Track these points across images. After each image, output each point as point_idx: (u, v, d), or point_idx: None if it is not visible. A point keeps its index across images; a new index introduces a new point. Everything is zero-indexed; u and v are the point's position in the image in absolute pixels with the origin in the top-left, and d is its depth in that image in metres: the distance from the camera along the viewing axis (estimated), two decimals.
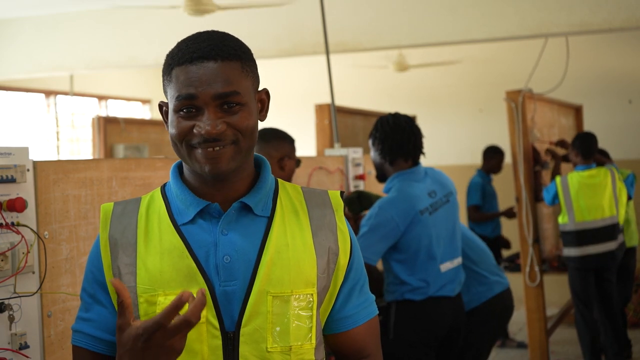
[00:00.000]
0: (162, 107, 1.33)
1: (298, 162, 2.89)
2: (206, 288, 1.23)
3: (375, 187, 3.79)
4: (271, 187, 1.34)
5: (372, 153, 3.00)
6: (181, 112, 1.24)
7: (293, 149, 2.83)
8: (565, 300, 5.85)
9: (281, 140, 2.76)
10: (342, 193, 1.39)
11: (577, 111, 6.10)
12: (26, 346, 1.64)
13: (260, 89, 1.33)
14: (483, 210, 5.98)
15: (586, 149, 4.59)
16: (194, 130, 1.23)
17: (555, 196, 4.53)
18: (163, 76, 1.29)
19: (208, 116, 1.22)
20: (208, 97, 1.22)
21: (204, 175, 1.26)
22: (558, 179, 4.56)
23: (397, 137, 2.87)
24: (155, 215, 1.30)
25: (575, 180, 4.52)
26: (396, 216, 2.73)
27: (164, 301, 1.23)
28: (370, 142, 3.00)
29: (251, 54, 1.30)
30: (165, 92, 1.29)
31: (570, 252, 4.53)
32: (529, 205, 4.49)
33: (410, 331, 2.75)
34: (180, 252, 1.25)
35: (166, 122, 1.32)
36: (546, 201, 4.60)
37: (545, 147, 4.97)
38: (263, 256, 1.25)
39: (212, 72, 1.22)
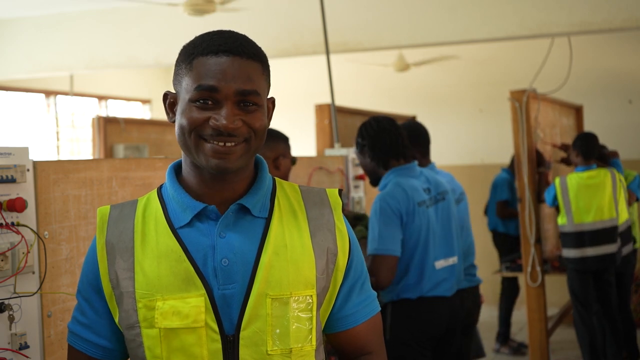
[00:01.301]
0: (167, 96, 1.31)
1: (293, 160, 2.88)
2: (205, 291, 1.22)
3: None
4: (269, 187, 1.33)
5: (362, 160, 2.98)
6: (197, 103, 1.22)
7: (288, 148, 2.83)
8: (565, 300, 5.85)
9: (275, 140, 2.76)
10: (340, 191, 1.38)
11: (578, 111, 6.10)
12: (26, 346, 1.64)
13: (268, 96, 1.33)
14: (512, 206, 5.90)
15: (587, 150, 4.58)
16: (210, 123, 1.21)
17: (555, 197, 4.53)
18: (180, 64, 1.27)
19: (226, 110, 1.21)
20: (230, 91, 1.21)
21: (208, 170, 1.24)
22: (557, 180, 4.56)
23: (385, 140, 2.88)
24: (151, 218, 1.29)
25: (574, 181, 4.52)
26: (397, 205, 2.72)
27: (162, 306, 1.22)
28: (357, 150, 2.99)
29: (268, 60, 1.31)
30: (178, 81, 1.27)
31: (569, 253, 4.52)
32: (531, 205, 4.49)
33: (406, 331, 2.75)
34: (177, 256, 1.24)
35: (168, 113, 1.31)
36: (547, 202, 4.60)
37: (547, 147, 4.97)
38: (261, 258, 1.24)
39: (237, 67, 1.22)
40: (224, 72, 1.22)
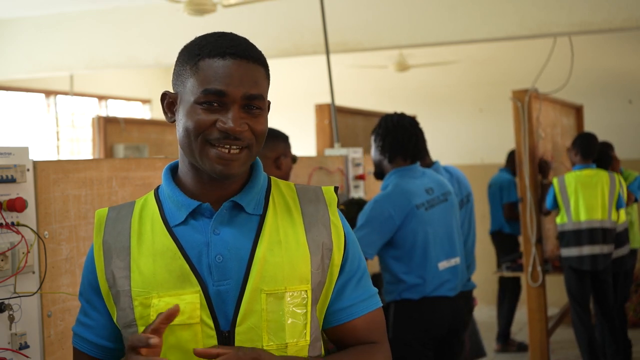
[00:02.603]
0: (166, 96, 1.31)
1: (294, 159, 2.88)
2: (199, 288, 1.23)
3: (375, 187, 3.79)
4: (263, 185, 1.34)
5: (373, 150, 3.01)
6: (203, 105, 1.23)
7: (288, 147, 2.83)
8: (565, 300, 5.85)
9: (275, 140, 2.76)
10: (336, 188, 1.39)
11: (578, 111, 6.10)
12: (26, 346, 1.64)
13: None
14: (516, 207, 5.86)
15: (586, 149, 4.60)
16: (217, 125, 1.22)
17: (555, 198, 4.54)
18: (184, 65, 1.26)
19: (233, 114, 1.22)
20: (238, 95, 1.22)
21: (211, 175, 1.25)
22: (555, 180, 4.57)
23: (398, 136, 2.89)
24: (148, 218, 1.30)
25: (572, 179, 4.54)
26: (392, 209, 2.74)
27: (158, 303, 1.23)
28: (372, 138, 3.02)
29: (268, 63, 1.32)
30: (180, 82, 1.27)
31: (569, 252, 4.53)
32: (532, 205, 4.48)
33: (408, 331, 2.75)
34: (172, 254, 1.25)
35: (167, 113, 1.31)
36: (547, 206, 4.61)
37: (548, 146, 4.98)
38: (256, 254, 1.25)
39: (244, 71, 1.23)
40: (232, 76, 1.22)
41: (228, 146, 1.22)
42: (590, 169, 4.58)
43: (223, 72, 1.22)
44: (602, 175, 4.57)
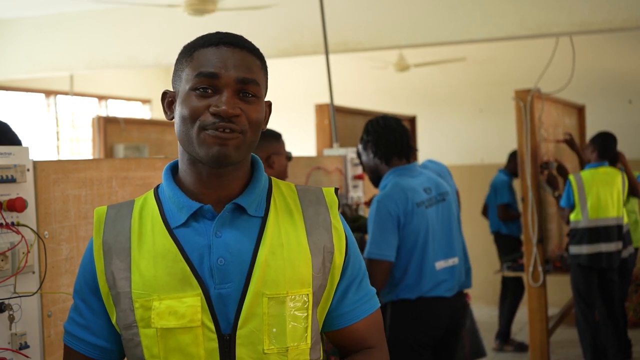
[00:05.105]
0: (166, 94, 1.32)
1: (289, 156, 2.88)
2: (201, 291, 1.23)
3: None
4: (265, 186, 1.33)
5: (365, 157, 2.99)
6: (197, 91, 1.24)
7: (281, 145, 2.82)
8: (565, 300, 5.85)
9: (265, 139, 2.75)
10: (336, 190, 1.38)
11: (580, 111, 6.10)
12: (26, 346, 1.63)
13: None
14: (512, 209, 5.91)
15: (604, 148, 4.65)
16: (210, 110, 1.22)
17: (571, 195, 4.55)
18: (180, 60, 1.28)
19: (227, 97, 1.23)
20: (230, 79, 1.23)
21: (207, 160, 1.24)
22: (572, 177, 4.58)
23: (390, 137, 2.89)
24: (148, 218, 1.29)
25: (588, 176, 4.57)
26: (395, 207, 2.73)
27: (159, 306, 1.22)
28: (361, 146, 3.00)
29: (265, 61, 1.32)
30: (177, 77, 1.28)
31: (581, 249, 4.53)
32: (534, 205, 4.48)
33: (406, 332, 2.75)
34: (173, 256, 1.24)
35: (166, 111, 1.32)
36: (562, 203, 4.60)
37: (550, 146, 4.98)
38: (258, 257, 1.24)
39: (237, 57, 1.25)
40: (225, 61, 1.24)
41: (222, 129, 1.22)
42: (604, 166, 4.62)
43: (216, 58, 1.24)
44: (616, 173, 4.62)
